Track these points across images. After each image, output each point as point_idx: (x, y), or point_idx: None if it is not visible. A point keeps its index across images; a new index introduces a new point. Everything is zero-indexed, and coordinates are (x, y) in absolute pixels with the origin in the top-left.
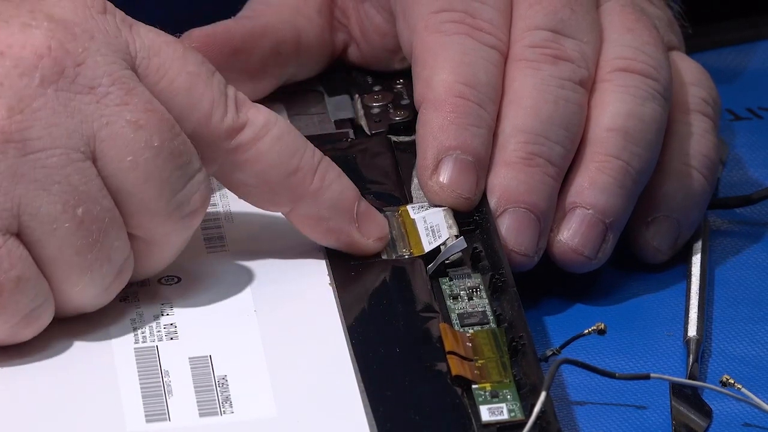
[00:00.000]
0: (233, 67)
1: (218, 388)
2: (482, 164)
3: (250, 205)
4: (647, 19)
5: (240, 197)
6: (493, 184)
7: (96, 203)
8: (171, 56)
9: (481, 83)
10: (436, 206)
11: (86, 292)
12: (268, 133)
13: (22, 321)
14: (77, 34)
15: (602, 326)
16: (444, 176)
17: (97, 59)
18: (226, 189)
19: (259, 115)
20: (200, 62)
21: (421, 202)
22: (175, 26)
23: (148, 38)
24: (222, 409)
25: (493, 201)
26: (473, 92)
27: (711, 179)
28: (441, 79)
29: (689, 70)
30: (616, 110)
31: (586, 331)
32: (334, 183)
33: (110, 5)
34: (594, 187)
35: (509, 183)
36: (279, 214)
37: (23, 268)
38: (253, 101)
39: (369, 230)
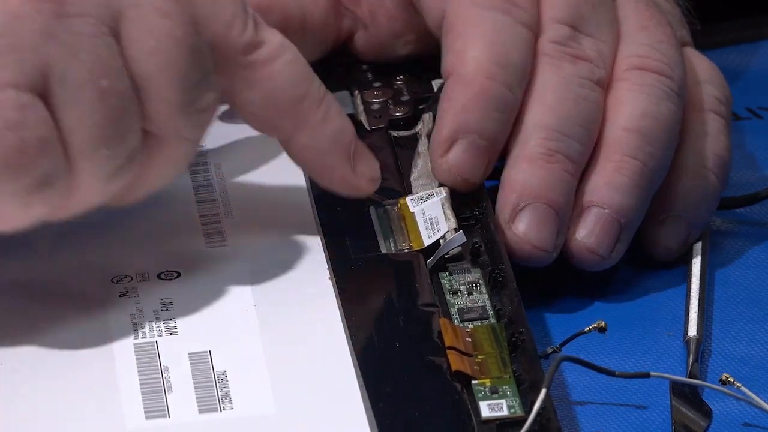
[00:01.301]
0: None
1: (218, 384)
2: (497, 147)
3: (249, 200)
4: (662, 15)
5: (243, 119)
6: (514, 179)
7: (118, 79)
8: None
9: (513, 64)
10: (433, 191)
11: (98, 172)
12: (283, 55)
13: (38, 185)
14: None
15: (603, 324)
16: (455, 157)
17: None
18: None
19: (275, 37)
20: None
21: (420, 193)
22: None
23: None
24: (221, 405)
25: (513, 196)
26: (503, 73)
27: (723, 180)
28: (474, 56)
29: (703, 67)
30: (632, 110)
31: (587, 328)
32: (337, 118)
33: None
34: (610, 186)
35: (530, 179)
36: (277, 215)
37: (48, 130)
38: None
39: (363, 170)
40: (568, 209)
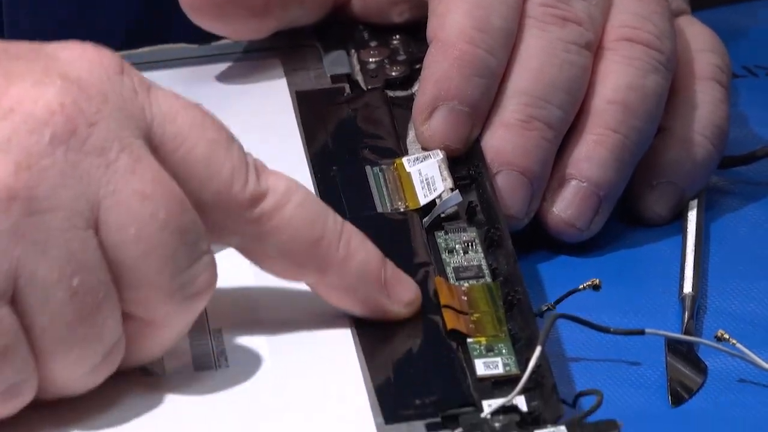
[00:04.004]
0: (236, 2)
1: (213, 342)
2: (480, 113)
3: None
4: None
5: (264, 270)
6: (489, 144)
7: (93, 275)
8: (189, 122)
9: (495, 28)
10: (429, 152)
11: (72, 371)
12: (290, 200)
13: (2, 395)
14: (92, 94)
15: (597, 282)
16: (437, 125)
17: (110, 123)
18: None
19: (280, 182)
20: (219, 128)
21: (417, 154)
22: None
23: (165, 103)
24: (217, 363)
25: (487, 161)
26: (484, 38)
27: (720, 150)
28: (454, 21)
29: (702, 35)
30: (617, 82)
31: (581, 286)
32: (360, 249)
33: (128, 66)
34: (590, 160)
35: (504, 145)
36: None
37: (13, 338)
38: (255, 39)
39: (399, 295)
40: (543, 176)
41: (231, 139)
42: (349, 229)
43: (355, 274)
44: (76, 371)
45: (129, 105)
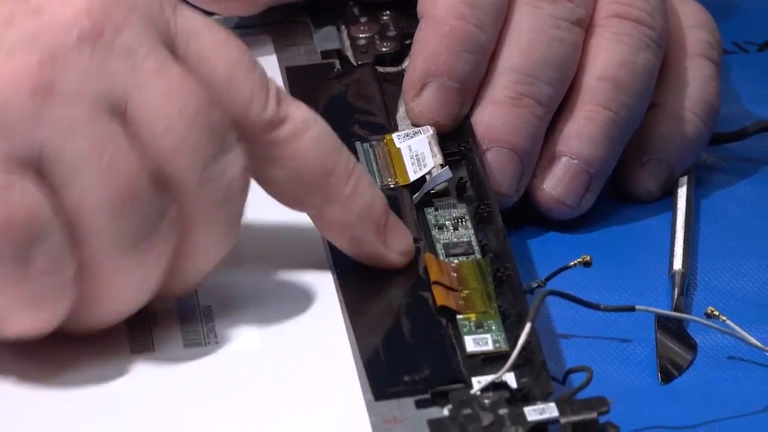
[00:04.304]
0: None
1: (203, 319)
2: (470, 89)
3: None
4: None
5: (269, 193)
6: (479, 121)
7: (123, 156)
8: (213, 42)
9: (485, 3)
10: (419, 128)
11: (116, 246)
12: (308, 130)
13: (40, 274)
14: (120, 3)
15: (588, 258)
16: (426, 101)
17: (137, 29)
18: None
19: (299, 111)
20: (243, 51)
21: (407, 130)
22: None
23: (191, 21)
24: (206, 340)
25: (477, 138)
26: (474, 13)
27: (710, 126)
28: None
29: (693, 12)
30: (608, 59)
31: (572, 263)
32: (366, 191)
33: None
34: (581, 137)
35: (494, 122)
36: None
37: (39, 210)
38: (245, 16)
39: (394, 243)
40: (533, 153)
41: (254, 63)
42: (360, 170)
43: (357, 212)
44: (121, 246)
45: (156, 17)
